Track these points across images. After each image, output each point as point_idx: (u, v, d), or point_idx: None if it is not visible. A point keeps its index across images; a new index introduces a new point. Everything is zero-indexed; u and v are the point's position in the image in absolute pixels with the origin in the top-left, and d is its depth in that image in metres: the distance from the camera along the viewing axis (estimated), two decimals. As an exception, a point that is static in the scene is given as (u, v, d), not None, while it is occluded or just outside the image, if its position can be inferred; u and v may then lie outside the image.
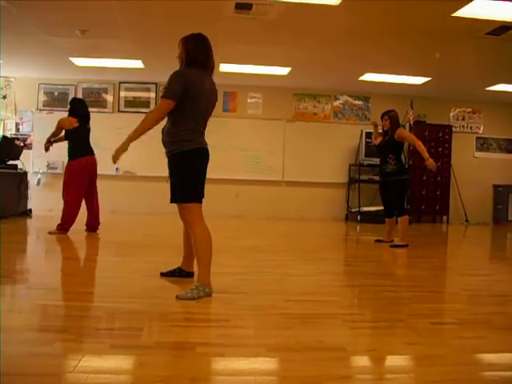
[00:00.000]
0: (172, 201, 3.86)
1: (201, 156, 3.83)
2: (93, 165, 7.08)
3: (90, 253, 5.84)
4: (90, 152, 7.08)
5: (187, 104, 3.66)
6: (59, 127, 7.00)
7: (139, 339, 2.61)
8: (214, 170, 9.86)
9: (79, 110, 7.10)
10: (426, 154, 6.69)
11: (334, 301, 3.82)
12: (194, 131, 3.75)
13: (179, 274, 4.26)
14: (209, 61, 3.96)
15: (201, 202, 3.90)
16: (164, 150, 3.82)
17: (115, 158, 3.70)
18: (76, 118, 6.99)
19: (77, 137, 6.97)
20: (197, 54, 3.89)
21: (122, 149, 3.69)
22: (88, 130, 7.16)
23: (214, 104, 4.00)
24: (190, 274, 4.23)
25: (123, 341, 2.59)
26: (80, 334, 2.68)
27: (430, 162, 6.68)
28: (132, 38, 7.88)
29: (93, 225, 7.21)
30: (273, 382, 2.18)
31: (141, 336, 2.66)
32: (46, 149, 7.16)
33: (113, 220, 7.91)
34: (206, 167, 3.97)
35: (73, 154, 6.93)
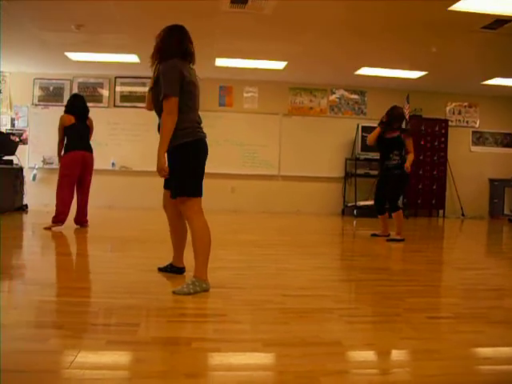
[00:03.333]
0: (174, 196, 3.78)
1: (201, 148, 3.83)
2: (84, 159, 7.06)
3: (85, 248, 5.83)
4: (83, 147, 7.07)
5: (183, 96, 3.61)
6: (60, 126, 7.00)
7: (135, 335, 2.60)
8: (209, 164, 9.84)
9: (74, 105, 7.11)
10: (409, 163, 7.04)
11: (331, 295, 3.82)
12: (193, 123, 3.73)
13: (171, 269, 4.25)
14: (193, 52, 3.89)
15: (201, 196, 3.88)
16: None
17: (163, 175, 3.66)
18: (71, 114, 7.02)
19: (72, 132, 7.00)
20: (177, 45, 3.79)
21: (161, 164, 3.59)
22: (85, 127, 7.16)
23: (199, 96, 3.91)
24: (182, 270, 4.23)
25: (119, 336, 2.58)
26: (76, 330, 2.67)
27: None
28: (128, 32, 7.85)
29: (78, 219, 7.20)
30: (269, 377, 2.18)
31: (137, 331, 2.65)
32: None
33: (109, 215, 7.90)
34: (205, 160, 3.92)
35: (65, 148, 6.99)
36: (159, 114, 3.70)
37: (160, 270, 4.30)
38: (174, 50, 3.72)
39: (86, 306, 3.18)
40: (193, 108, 3.73)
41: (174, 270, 4.24)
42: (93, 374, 2.06)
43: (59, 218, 6.87)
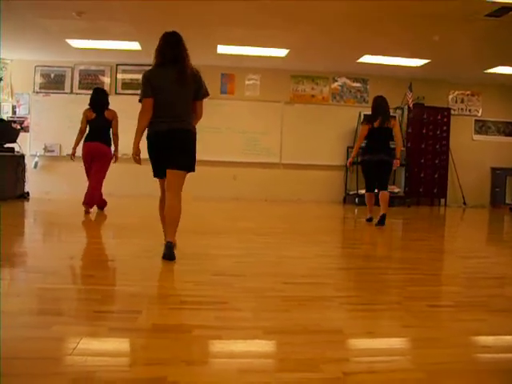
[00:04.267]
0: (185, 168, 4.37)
1: (150, 138, 4.35)
2: (92, 149, 7.41)
3: (87, 235, 5.83)
4: (93, 138, 7.43)
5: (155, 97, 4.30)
6: (81, 119, 7.52)
7: (137, 322, 2.61)
8: (211, 152, 10.02)
9: (91, 99, 7.57)
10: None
11: (332, 283, 3.83)
12: (154, 118, 4.31)
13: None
14: (169, 56, 4.39)
15: (156, 177, 4.50)
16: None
17: (136, 162, 4.41)
18: (91, 107, 7.52)
19: (89, 125, 7.51)
20: (156, 54, 4.47)
21: (134, 152, 4.36)
22: (102, 120, 7.49)
23: (189, 86, 4.43)
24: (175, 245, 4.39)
25: (121, 323, 2.59)
26: (78, 317, 2.68)
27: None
28: (129, 19, 7.82)
29: (86, 201, 7.41)
30: (270, 364, 2.18)
31: (138, 319, 2.66)
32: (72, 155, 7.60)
33: (110, 202, 7.91)
34: (156, 147, 4.36)
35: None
36: None
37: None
38: (154, 60, 4.47)
39: (89, 294, 3.19)
40: (159, 106, 4.30)
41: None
42: (95, 360, 2.07)
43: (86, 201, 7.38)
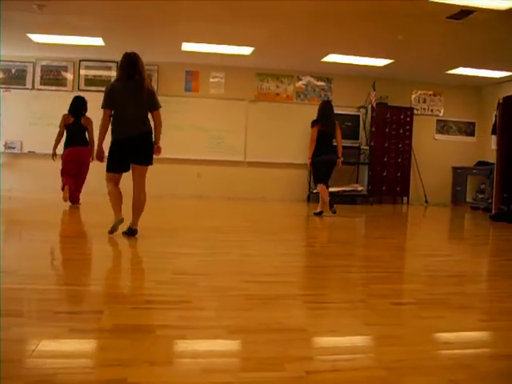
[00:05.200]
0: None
1: (112, 143, 5.24)
2: (76, 155, 8.02)
3: (50, 234, 5.72)
4: (74, 143, 8.03)
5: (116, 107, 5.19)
6: (60, 123, 8.07)
7: (99, 322, 2.57)
8: (175, 149, 9.99)
9: (71, 106, 8.14)
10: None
11: (295, 282, 3.84)
12: (113, 126, 5.21)
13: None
14: (126, 73, 5.20)
15: (109, 172, 5.30)
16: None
17: (99, 160, 5.36)
18: (70, 113, 8.09)
19: (68, 130, 8.05)
20: (118, 71, 5.42)
21: (97, 153, 5.33)
22: (78, 125, 8.04)
23: (142, 98, 5.22)
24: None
25: (82, 324, 2.55)
26: (38, 318, 2.63)
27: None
28: (92, 14, 7.69)
29: (71, 199, 8.09)
30: (233, 363, 2.17)
31: (100, 319, 2.62)
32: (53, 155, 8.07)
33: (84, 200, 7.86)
34: (118, 150, 5.23)
35: (64, 144, 8.09)
36: None
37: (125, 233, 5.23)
38: (117, 75, 5.56)
39: (50, 294, 3.13)
40: (119, 114, 5.18)
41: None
42: (55, 362, 2.03)
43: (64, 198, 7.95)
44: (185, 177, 11.03)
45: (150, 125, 5.31)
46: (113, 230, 5.17)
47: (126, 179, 5.31)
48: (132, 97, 5.16)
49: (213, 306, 2.97)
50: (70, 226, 6.51)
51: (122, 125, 5.15)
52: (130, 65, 5.18)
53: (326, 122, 8.10)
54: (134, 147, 5.18)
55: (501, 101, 9.57)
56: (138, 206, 5.26)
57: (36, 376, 1.91)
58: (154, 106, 5.32)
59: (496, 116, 9.71)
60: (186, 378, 1.98)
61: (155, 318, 2.70)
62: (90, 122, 8.01)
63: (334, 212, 8.12)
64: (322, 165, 8.16)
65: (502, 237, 6.90)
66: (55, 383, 1.86)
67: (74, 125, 8.00)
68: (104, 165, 5.29)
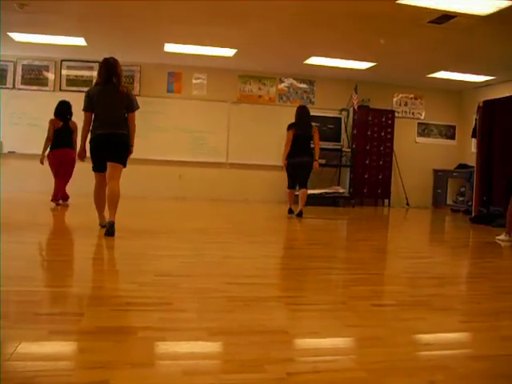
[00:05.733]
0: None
1: (92, 141, 5.48)
2: (62, 155, 8.15)
3: (31, 235, 5.67)
4: (62, 145, 8.16)
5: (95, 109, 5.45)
6: (48, 128, 8.16)
7: (79, 324, 2.55)
8: (157, 151, 9.98)
9: (57, 110, 8.25)
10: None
11: (277, 283, 3.85)
12: (93, 127, 5.46)
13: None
14: (104, 77, 5.44)
15: (95, 171, 5.60)
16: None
17: (81, 159, 5.67)
18: (56, 117, 8.21)
19: (55, 133, 8.15)
20: (97, 75, 5.60)
21: (79, 152, 5.62)
22: (65, 128, 8.19)
23: (119, 100, 5.47)
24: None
25: (63, 326, 2.52)
26: (17, 320, 2.59)
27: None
28: (74, 14, 7.65)
29: (54, 198, 8.24)
30: (215, 365, 2.17)
31: (81, 321, 2.60)
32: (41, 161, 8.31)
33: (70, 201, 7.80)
34: (97, 148, 5.47)
35: (50, 147, 8.22)
36: None
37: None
38: (98, 80, 5.55)
39: (29, 296, 3.09)
40: (98, 116, 5.43)
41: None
42: (34, 365, 2.01)
43: (55, 198, 8.21)
44: (167, 178, 10.99)
45: (127, 127, 5.53)
46: (108, 233, 5.22)
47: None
48: (109, 99, 5.43)
49: (194, 308, 2.96)
50: (52, 227, 6.46)
51: (100, 124, 5.40)
52: (108, 69, 5.43)
53: (301, 125, 8.30)
54: (110, 145, 5.41)
55: (481, 104, 9.68)
56: (113, 199, 5.36)
57: (15, 379, 1.88)
58: (131, 108, 5.54)
59: (476, 119, 9.81)
60: (167, 379, 1.97)
61: (137, 320, 2.69)
62: (76, 126, 8.14)
63: (291, 212, 8.43)
64: (290, 167, 8.40)
65: (481, 239, 6.97)
66: (35, 386, 1.84)
67: (64, 128, 8.17)
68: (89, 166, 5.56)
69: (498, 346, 2.55)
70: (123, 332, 2.49)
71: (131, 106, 5.55)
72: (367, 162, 11.74)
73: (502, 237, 6.42)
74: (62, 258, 4.34)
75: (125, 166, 5.56)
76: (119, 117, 5.49)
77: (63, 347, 2.28)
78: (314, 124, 8.69)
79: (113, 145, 5.43)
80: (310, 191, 10.95)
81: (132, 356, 2.18)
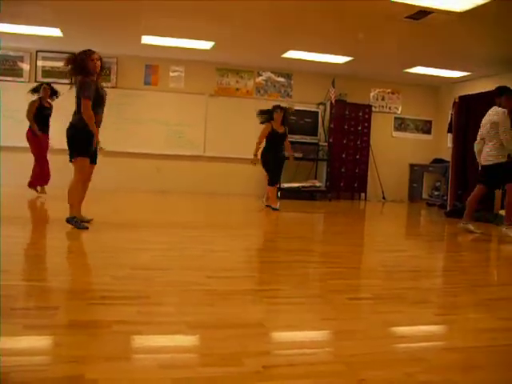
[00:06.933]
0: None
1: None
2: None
3: (4, 228, 5.60)
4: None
5: None
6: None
7: (54, 318, 2.53)
8: (134, 143, 9.94)
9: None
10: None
11: (254, 277, 3.86)
12: None
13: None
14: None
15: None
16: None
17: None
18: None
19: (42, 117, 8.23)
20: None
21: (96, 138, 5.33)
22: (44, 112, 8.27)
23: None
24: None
25: (37, 321, 2.50)
26: (-9, 314, 2.57)
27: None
28: (50, 4, 7.53)
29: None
30: (192, 359, 2.17)
31: (56, 315, 2.58)
32: None
33: (29, 194, 7.68)
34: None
35: None
36: None
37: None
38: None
39: (5, 290, 3.06)
40: None
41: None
42: (9, 360, 1.98)
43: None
44: (144, 171, 10.92)
45: (76, 117, 5.29)
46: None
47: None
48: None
49: (172, 302, 2.96)
50: (26, 220, 6.38)
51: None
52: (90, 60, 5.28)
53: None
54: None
55: (457, 100, 9.79)
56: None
57: (-11, 374, 1.87)
58: (78, 96, 5.28)
59: (452, 115, 9.91)
60: (144, 373, 1.96)
61: (112, 314, 2.67)
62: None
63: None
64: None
65: (456, 233, 7.04)
66: (9, 382, 1.82)
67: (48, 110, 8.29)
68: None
69: (472, 338, 2.59)
70: (98, 326, 2.48)
71: (78, 93, 5.29)
72: (344, 155, 11.78)
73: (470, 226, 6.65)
74: (37, 252, 4.30)
75: (70, 158, 5.37)
76: (76, 107, 5.34)
77: (38, 342, 2.26)
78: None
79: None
80: (287, 184, 11.04)
81: (107, 350, 2.17)
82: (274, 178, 8.64)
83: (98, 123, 5.39)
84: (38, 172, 8.20)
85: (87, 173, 5.44)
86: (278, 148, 8.61)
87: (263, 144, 8.70)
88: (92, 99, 5.19)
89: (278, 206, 8.50)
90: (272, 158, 8.59)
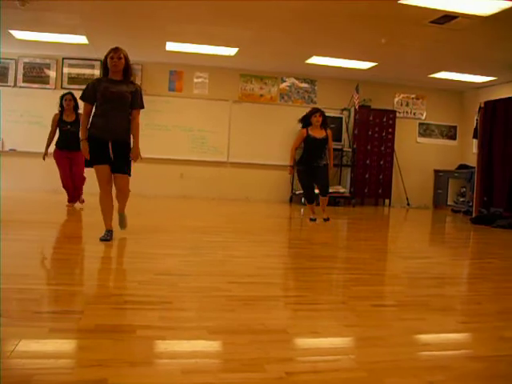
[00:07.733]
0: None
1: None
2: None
3: (29, 233, 5.67)
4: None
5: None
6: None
7: (79, 322, 2.55)
8: (158, 149, 9.97)
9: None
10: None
11: (277, 283, 3.84)
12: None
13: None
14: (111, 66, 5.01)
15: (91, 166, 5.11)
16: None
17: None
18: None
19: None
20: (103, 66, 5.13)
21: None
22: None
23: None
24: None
25: (63, 324, 2.52)
26: (17, 318, 2.59)
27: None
28: (76, 11, 7.64)
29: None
30: (214, 364, 2.17)
31: (81, 319, 2.60)
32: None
33: (54, 199, 7.77)
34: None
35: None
36: None
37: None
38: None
39: (29, 294, 3.09)
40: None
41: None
42: (34, 363, 2.01)
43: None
44: (168, 177, 11.00)
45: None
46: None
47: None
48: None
49: (194, 307, 2.96)
50: (54, 225, 6.45)
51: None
52: (111, 58, 5.06)
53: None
54: None
55: (482, 105, 9.69)
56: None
57: (15, 377, 1.89)
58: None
59: (477, 120, 9.82)
60: (166, 378, 1.97)
61: (136, 319, 2.68)
62: None
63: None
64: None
65: (481, 240, 6.96)
66: (34, 384, 1.84)
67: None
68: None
69: (496, 346, 2.55)
70: (122, 330, 2.49)
71: None
72: (368, 161, 11.74)
73: None
74: (63, 257, 4.34)
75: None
76: None
77: (63, 345, 2.28)
78: None
79: None
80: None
81: (131, 354, 2.18)
82: (308, 196, 7.92)
83: (108, 118, 4.91)
84: (64, 187, 7.89)
85: (104, 181, 4.97)
86: (316, 156, 7.59)
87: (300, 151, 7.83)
88: (92, 99, 4.92)
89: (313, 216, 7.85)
90: (305, 170, 7.71)
